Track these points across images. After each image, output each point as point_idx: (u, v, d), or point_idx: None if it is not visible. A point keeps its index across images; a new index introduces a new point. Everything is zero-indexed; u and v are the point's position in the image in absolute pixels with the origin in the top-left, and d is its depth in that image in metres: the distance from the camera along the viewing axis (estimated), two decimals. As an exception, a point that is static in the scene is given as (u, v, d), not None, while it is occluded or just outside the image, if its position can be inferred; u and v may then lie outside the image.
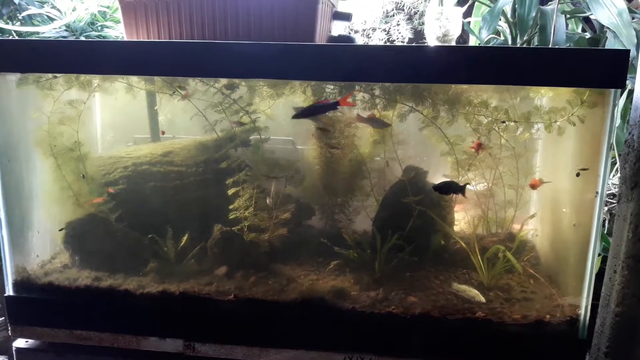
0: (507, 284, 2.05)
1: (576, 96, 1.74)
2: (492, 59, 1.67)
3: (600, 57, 1.64)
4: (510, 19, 2.96)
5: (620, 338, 1.96)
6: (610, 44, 2.64)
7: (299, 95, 2.21)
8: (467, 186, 2.04)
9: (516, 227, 2.20)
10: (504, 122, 1.84)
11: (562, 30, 2.73)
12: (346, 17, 2.36)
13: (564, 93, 1.78)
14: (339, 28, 2.80)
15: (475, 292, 1.99)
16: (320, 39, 2.06)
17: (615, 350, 1.98)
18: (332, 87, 2.10)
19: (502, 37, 3.07)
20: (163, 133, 2.38)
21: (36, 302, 2.05)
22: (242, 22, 2.00)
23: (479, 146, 1.94)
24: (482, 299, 1.95)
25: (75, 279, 2.09)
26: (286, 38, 1.97)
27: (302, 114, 2.03)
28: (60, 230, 2.18)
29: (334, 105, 2.02)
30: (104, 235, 2.15)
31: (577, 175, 1.77)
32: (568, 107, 1.76)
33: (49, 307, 2.05)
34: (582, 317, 1.86)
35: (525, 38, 2.82)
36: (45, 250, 2.27)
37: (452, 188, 2.01)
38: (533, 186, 1.96)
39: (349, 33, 2.92)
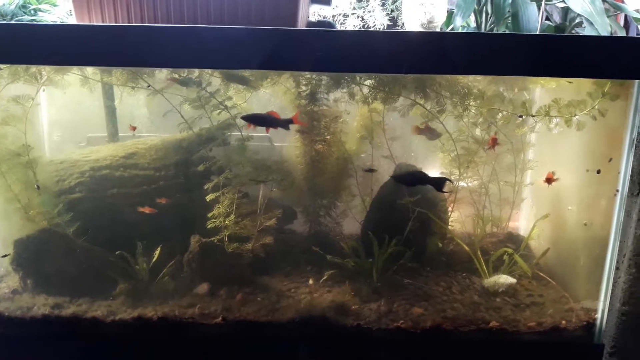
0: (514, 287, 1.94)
1: (597, 88, 1.62)
2: (495, 48, 1.49)
3: (624, 46, 1.51)
4: (476, 7, 2.87)
5: (626, 337, 1.89)
6: (587, 32, 2.59)
7: (280, 87, 2.00)
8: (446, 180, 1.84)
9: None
10: (520, 116, 1.70)
11: (533, 19, 2.66)
12: (326, 0, 2.15)
13: (584, 85, 1.66)
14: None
15: (505, 277, 1.87)
16: (301, 24, 1.84)
17: (621, 350, 1.91)
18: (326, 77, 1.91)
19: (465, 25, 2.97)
20: (134, 129, 2.08)
21: (-18, 338, 1.73)
22: (214, 4, 1.74)
23: (494, 142, 1.79)
24: (513, 280, 1.83)
25: (30, 307, 1.78)
26: (264, 23, 1.72)
27: (251, 119, 1.77)
28: (3, 256, 1.86)
29: (285, 124, 1.80)
30: (62, 253, 1.85)
31: (598, 172, 1.66)
32: (588, 100, 1.64)
33: (-1, 342, 1.73)
34: (598, 321, 1.77)
35: (500, 26, 2.73)
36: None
37: (418, 179, 1.76)
38: (549, 180, 1.83)
39: (323, 19, 2.71)
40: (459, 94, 1.74)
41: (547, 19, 3.09)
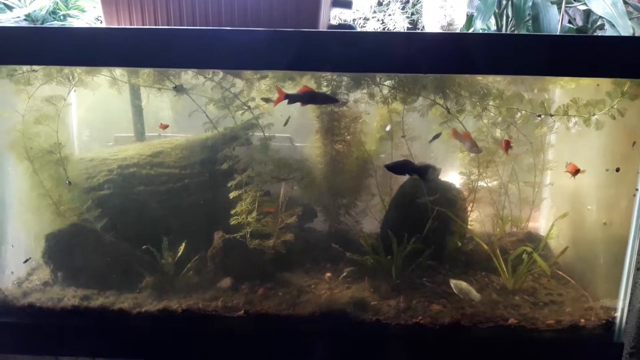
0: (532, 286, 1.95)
1: (616, 87, 1.63)
2: (513, 48, 1.51)
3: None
4: (496, 9, 2.88)
5: (646, 338, 1.88)
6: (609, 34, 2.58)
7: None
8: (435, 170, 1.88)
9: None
10: (539, 115, 1.71)
11: (554, 21, 2.66)
12: (347, 4, 2.19)
13: (604, 84, 1.67)
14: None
15: (468, 289, 1.87)
16: (322, 27, 1.88)
17: (641, 351, 1.90)
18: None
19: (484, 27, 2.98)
20: (165, 126, 2.14)
21: (16, 327, 1.78)
22: (237, 6, 1.79)
23: (508, 144, 1.80)
24: (477, 296, 1.83)
25: (60, 298, 1.85)
26: (286, 25, 1.77)
27: (297, 98, 1.81)
28: (25, 261, 1.93)
29: (333, 100, 1.89)
30: (92, 247, 1.91)
31: (617, 170, 1.67)
32: (607, 100, 1.65)
33: (31, 332, 1.79)
34: (617, 320, 1.77)
35: (521, 28, 2.74)
36: (20, 266, 2.00)
37: (406, 168, 1.82)
38: (574, 171, 1.81)
39: (346, 22, 2.75)
40: (477, 94, 1.76)
41: (570, 22, 3.09)
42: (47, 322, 1.80)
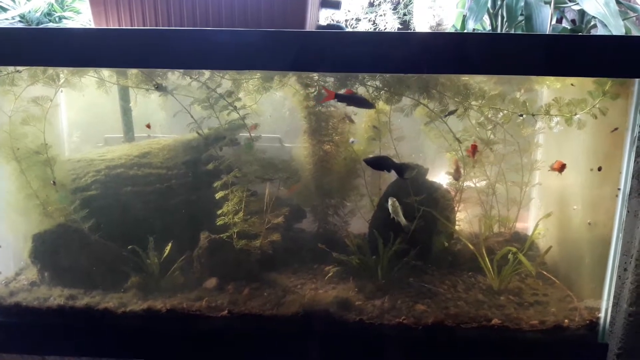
0: (518, 287, 1.95)
1: (598, 87, 1.63)
2: (494, 48, 1.52)
3: (624, 44, 1.52)
4: (491, 10, 2.88)
5: (633, 339, 1.87)
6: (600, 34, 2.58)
7: (288, 89, 2.05)
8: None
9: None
10: (521, 115, 1.71)
11: (546, 21, 2.66)
12: (335, 4, 2.19)
13: (585, 84, 1.67)
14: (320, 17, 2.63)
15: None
16: (310, 27, 1.89)
17: (628, 352, 1.89)
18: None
19: (478, 27, 2.98)
20: (149, 126, 2.16)
21: (1, 326, 1.80)
22: (224, 7, 1.80)
23: (475, 149, 1.80)
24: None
25: (46, 298, 1.86)
26: (274, 25, 1.78)
27: (345, 98, 1.90)
28: None
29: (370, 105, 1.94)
30: (78, 247, 1.92)
31: (599, 169, 1.67)
32: (589, 99, 1.64)
33: (17, 331, 1.81)
34: (602, 320, 1.76)
35: (512, 29, 2.74)
36: (8, 266, 2.01)
37: (385, 164, 1.86)
38: (560, 167, 1.81)
39: (336, 23, 2.76)
40: (460, 94, 1.76)
41: (561, 21, 3.09)
42: (33, 322, 1.82)
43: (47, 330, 1.81)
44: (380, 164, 1.84)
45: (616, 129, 1.61)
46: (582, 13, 2.78)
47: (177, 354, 1.80)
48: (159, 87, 1.84)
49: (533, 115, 1.73)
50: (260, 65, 1.64)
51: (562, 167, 1.77)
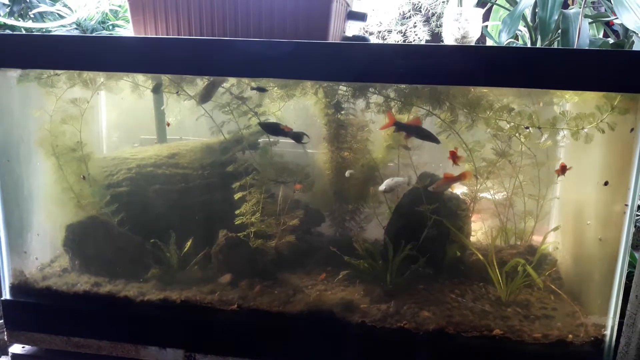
0: (527, 299, 1.94)
1: (606, 102, 1.63)
2: (514, 61, 1.55)
3: (634, 60, 1.52)
4: (530, 23, 2.86)
5: (648, 360, 1.83)
6: (637, 48, 2.53)
7: (310, 96, 2.13)
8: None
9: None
10: (527, 127, 1.73)
11: (585, 35, 2.62)
12: (361, 17, 2.26)
13: (593, 98, 1.67)
14: (353, 29, 2.71)
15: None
16: (333, 39, 1.97)
17: (642, 372, 1.85)
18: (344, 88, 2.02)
19: (520, 41, 2.97)
20: (169, 124, 2.30)
21: (33, 307, 1.97)
22: (252, 19, 1.92)
23: (454, 155, 1.81)
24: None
25: (74, 283, 2.01)
26: (298, 37, 1.88)
27: (405, 128, 1.94)
28: None
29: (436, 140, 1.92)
30: (105, 239, 2.07)
31: (605, 184, 1.65)
32: (597, 113, 1.64)
33: (46, 312, 1.96)
34: (607, 338, 1.74)
35: (545, 42, 2.72)
36: (44, 253, 2.19)
37: (278, 131, 1.97)
38: (562, 169, 1.80)
39: (364, 34, 2.83)
40: (469, 106, 1.79)
41: (606, 35, 3.03)
42: (61, 305, 1.97)
43: (73, 314, 1.96)
44: (274, 129, 1.96)
45: (632, 129, 1.59)
46: (625, 27, 2.73)
47: (188, 342, 1.90)
48: (258, 89, 1.96)
49: (539, 128, 1.73)
50: (285, 74, 1.78)
51: (563, 169, 1.76)
